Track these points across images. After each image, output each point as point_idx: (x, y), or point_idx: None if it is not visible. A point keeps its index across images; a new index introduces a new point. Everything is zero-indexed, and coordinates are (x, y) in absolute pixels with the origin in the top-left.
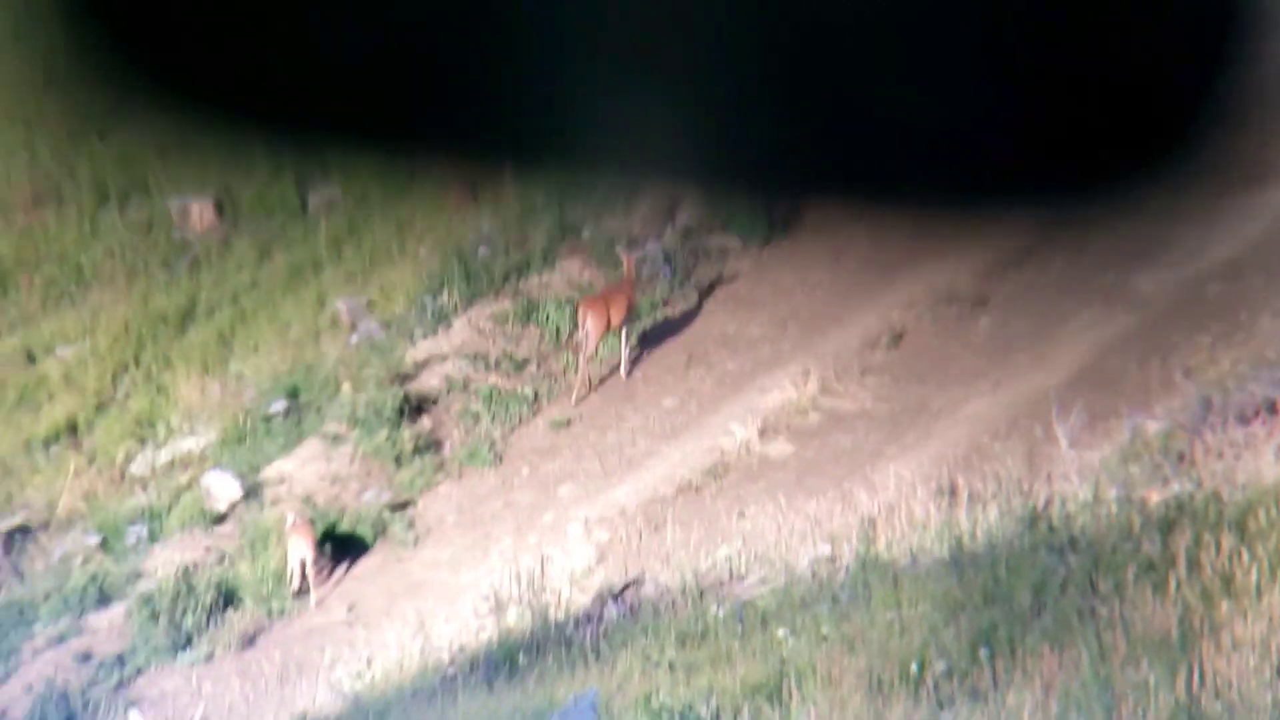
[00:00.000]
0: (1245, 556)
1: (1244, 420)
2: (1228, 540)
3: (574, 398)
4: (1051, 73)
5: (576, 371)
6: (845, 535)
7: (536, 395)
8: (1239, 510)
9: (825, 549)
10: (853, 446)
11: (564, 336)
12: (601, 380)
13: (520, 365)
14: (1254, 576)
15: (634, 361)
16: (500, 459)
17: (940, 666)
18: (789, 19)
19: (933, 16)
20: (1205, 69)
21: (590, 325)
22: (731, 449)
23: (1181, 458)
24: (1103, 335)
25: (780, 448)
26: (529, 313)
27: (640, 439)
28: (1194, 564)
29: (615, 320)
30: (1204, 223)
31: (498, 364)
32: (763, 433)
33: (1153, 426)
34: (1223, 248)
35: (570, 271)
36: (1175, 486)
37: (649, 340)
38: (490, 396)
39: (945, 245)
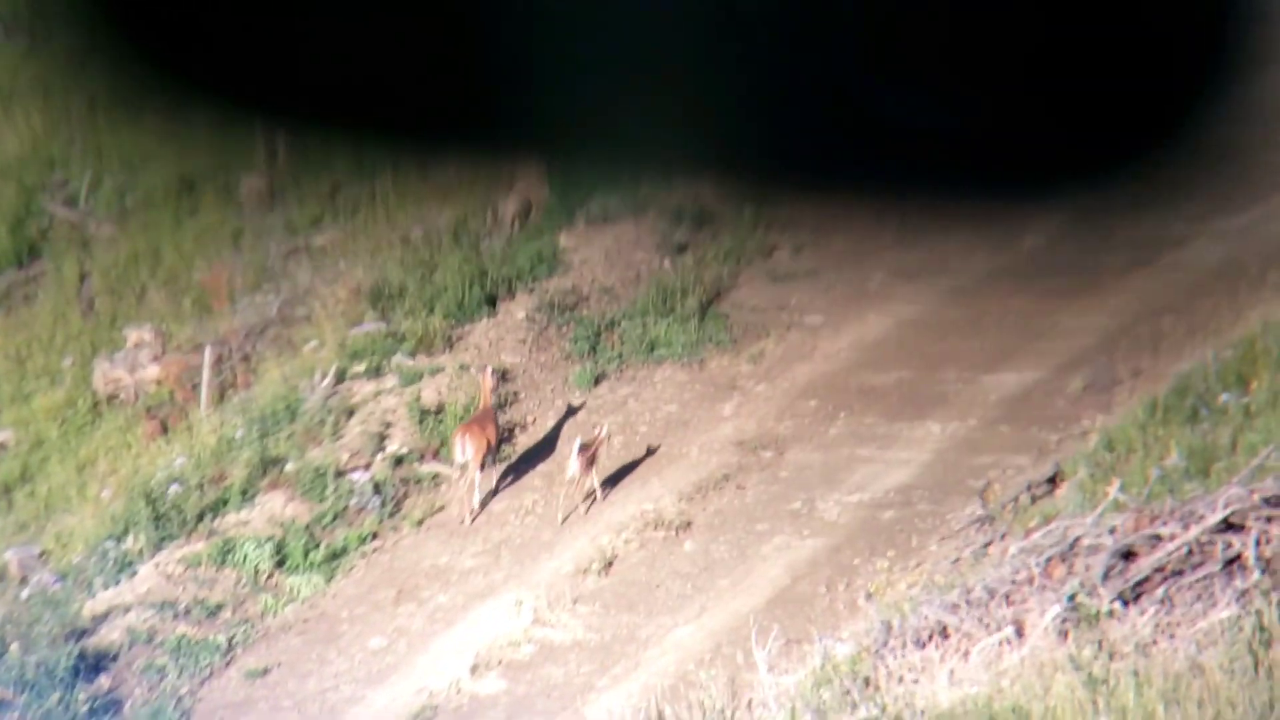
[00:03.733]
0: None
1: (920, 644)
2: None
3: (466, 519)
4: None
5: (461, 494)
6: None
7: (231, 643)
8: None
9: None
10: (565, 680)
11: (263, 576)
12: (304, 620)
13: (213, 611)
14: None
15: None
16: (187, 717)
17: None
18: None
19: None
20: None
21: (471, 449)
22: (441, 689)
23: (867, 682)
24: (795, 559)
25: (492, 684)
26: (225, 553)
27: (344, 684)
28: None
29: (491, 441)
30: (879, 449)
31: (187, 611)
32: (474, 669)
33: (841, 650)
34: (895, 475)
35: (272, 507)
36: (863, 711)
37: (355, 576)
38: (178, 647)
39: (649, 468)
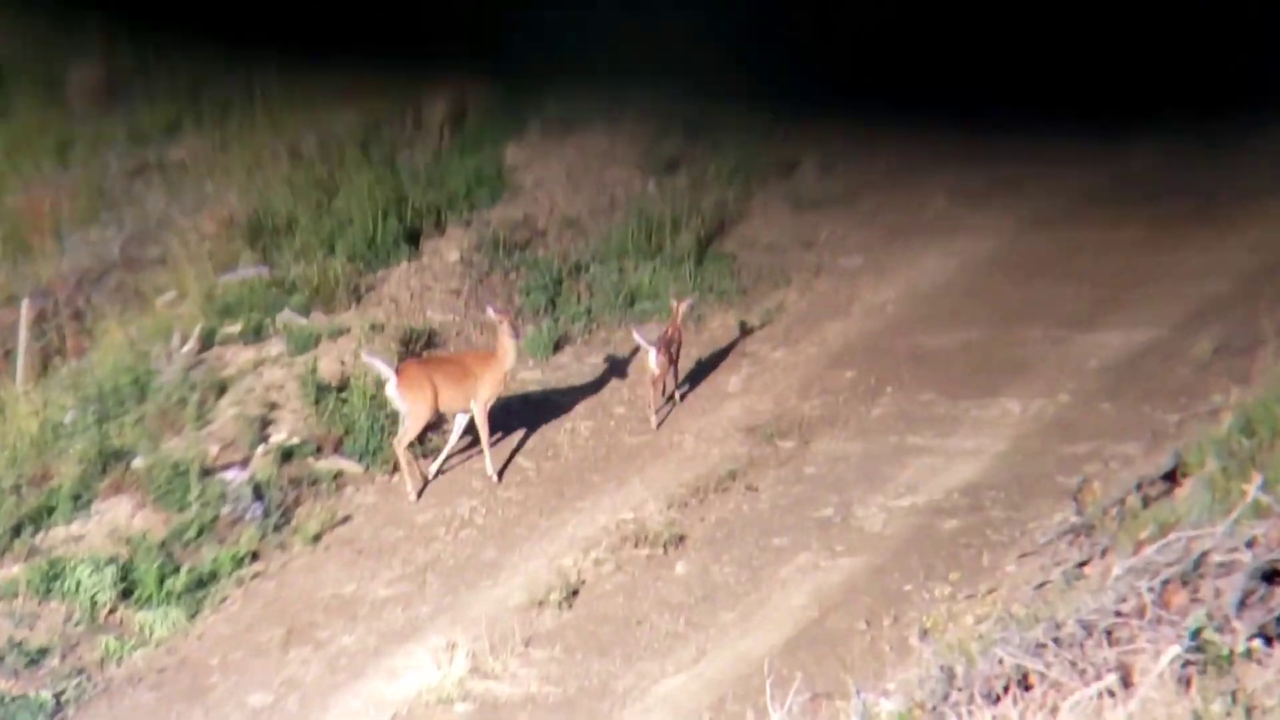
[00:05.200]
0: None
1: (993, 697)
2: None
3: (413, 495)
4: None
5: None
6: None
7: (60, 701)
8: None
9: None
10: None
11: (103, 611)
12: (159, 670)
13: (36, 658)
14: None
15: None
16: None
17: None
18: None
19: None
20: None
21: (410, 406)
22: None
23: None
24: (824, 584)
25: None
26: (51, 580)
27: None
28: None
29: (464, 399)
30: (938, 436)
31: (1, 659)
32: None
33: (886, 706)
34: (959, 470)
35: (115, 517)
36: None
37: (228, 610)
38: None
39: (628, 465)
